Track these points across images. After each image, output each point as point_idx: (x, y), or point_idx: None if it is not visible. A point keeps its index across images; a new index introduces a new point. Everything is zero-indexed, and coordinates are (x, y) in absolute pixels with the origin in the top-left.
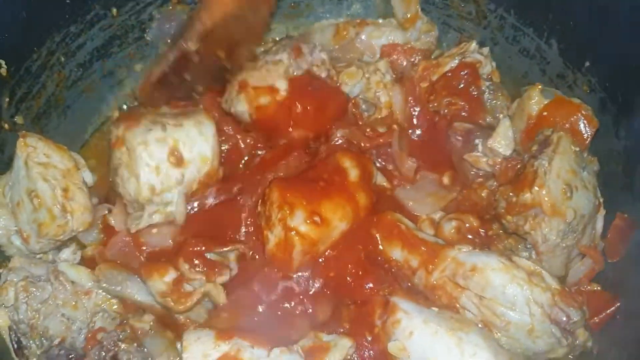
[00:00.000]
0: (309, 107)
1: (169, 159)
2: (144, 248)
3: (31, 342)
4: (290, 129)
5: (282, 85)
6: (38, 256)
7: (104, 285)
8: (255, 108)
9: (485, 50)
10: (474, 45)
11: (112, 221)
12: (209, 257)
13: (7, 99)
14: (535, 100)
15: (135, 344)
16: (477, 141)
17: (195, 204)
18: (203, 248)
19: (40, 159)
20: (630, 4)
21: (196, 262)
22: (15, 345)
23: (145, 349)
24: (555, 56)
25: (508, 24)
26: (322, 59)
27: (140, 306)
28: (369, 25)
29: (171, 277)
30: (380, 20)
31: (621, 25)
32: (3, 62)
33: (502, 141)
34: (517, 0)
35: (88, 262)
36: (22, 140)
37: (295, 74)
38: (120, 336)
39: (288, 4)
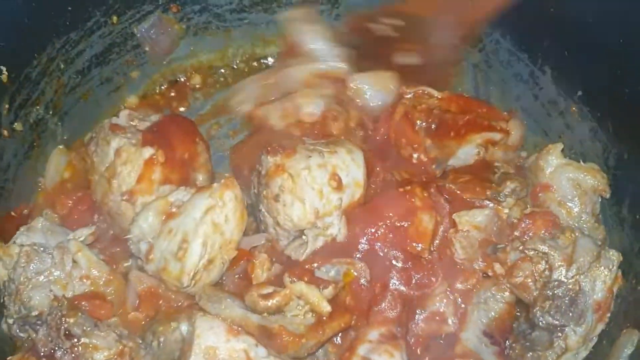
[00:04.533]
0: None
1: (330, 183)
2: None
3: (12, 304)
4: None
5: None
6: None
7: (204, 302)
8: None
9: None
10: None
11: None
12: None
13: (7, 106)
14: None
15: (79, 313)
16: None
17: None
18: (315, 265)
19: None
20: (623, 37)
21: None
22: (1, 300)
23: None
24: (549, 83)
25: (503, 48)
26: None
27: (233, 321)
28: None
29: (267, 290)
30: None
31: (614, 57)
32: (4, 69)
33: None
34: (513, 26)
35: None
36: None
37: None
38: (63, 312)
39: None
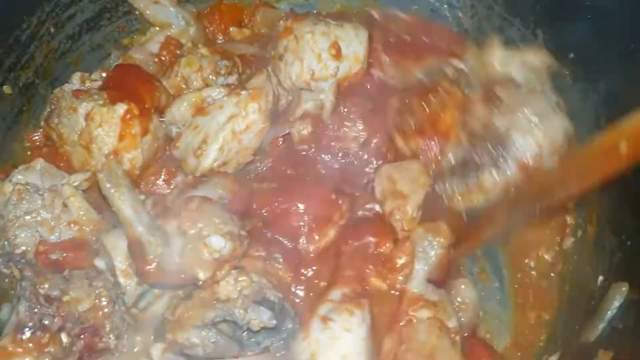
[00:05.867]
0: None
1: (330, 50)
2: None
3: None
4: None
5: None
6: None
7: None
8: None
9: None
10: None
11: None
12: None
13: None
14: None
15: (48, 275)
16: None
17: None
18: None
19: None
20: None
21: None
22: None
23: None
24: (541, 46)
25: (495, 13)
26: None
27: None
28: None
29: None
30: None
31: (605, 18)
32: None
33: None
34: None
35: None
36: None
37: None
38: (34, 281)
39: None
